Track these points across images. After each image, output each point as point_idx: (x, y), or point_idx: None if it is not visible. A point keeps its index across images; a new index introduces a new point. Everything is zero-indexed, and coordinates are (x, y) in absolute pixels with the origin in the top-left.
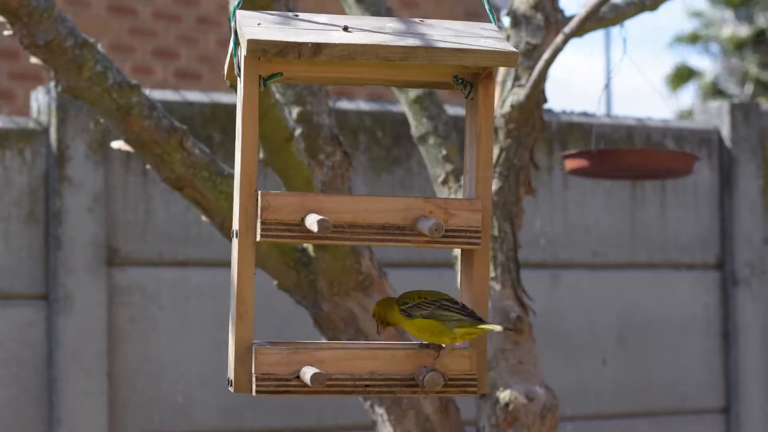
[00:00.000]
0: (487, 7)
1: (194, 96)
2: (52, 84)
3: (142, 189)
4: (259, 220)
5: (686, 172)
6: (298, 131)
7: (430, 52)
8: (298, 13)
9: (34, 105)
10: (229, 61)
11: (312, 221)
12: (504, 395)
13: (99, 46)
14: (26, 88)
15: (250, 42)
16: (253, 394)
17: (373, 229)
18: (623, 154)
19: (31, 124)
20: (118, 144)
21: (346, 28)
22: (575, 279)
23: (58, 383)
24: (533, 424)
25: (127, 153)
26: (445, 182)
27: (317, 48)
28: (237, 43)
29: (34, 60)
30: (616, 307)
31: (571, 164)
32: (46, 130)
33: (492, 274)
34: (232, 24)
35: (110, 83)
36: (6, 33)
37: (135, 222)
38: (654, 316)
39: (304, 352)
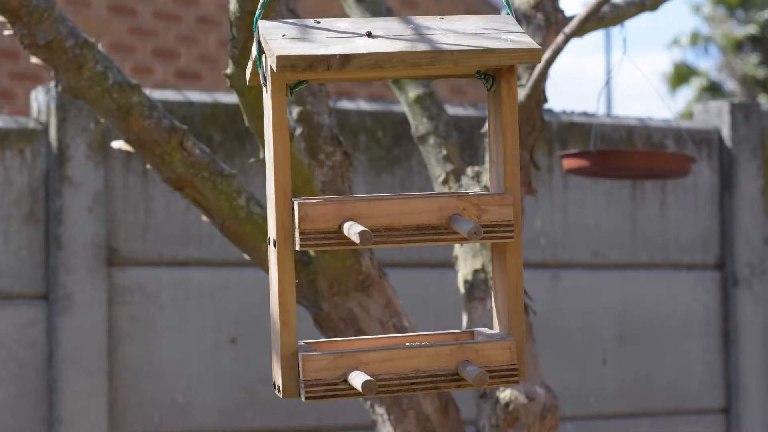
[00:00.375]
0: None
1: (194, 96)
2: (52, 84)
3: (142, 189)
4: (297, 231)
5: (684, 173)
6: (298, 131)
7: (455, 55)
8: (319, 20)
9: (34, 105)
10: (252, 68)
11: (354, 233)
12: (504, 395)
13: (99, 46)
14: (26, 88)
15: (280, 58)
16: (303, 400)
17: (409, 231)
18: (621, 156)
19: (31, 124)
20: (118, 144)
21: (369, 34)
22: (575, 279)
23: (58, 383)
24: (533, 424)
25: (127, 153)
26: (445, 182)
27: (345, 60)
28: (261, 52)
29: (34, 60)
30: (616, 307)
31: (569, 164)
32: (46, 130)
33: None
34: (255, 33)
35: (110, 83)
36: (6, 33)
37: (135, 222)
38: (654, 316)
39: (349, 356)
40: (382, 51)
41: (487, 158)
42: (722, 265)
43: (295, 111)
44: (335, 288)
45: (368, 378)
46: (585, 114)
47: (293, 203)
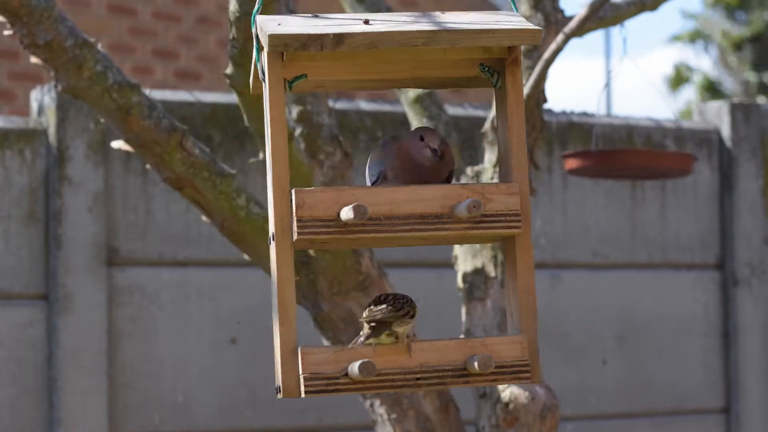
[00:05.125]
0: None
1: (194, 96)
2: (52, 84)
3: (142, 189)
4: (294, 219)
5: (686, 172)
6: (298, 131)
7: (452, 34)
8: (317, 14)
9: (34, 105)
10: (253, 71)
11: (347, 209)
12: (504, 395)
13: (99, 46)
14: (26, 88)
15: (272, 37)
16: (302, 395)
17: (411, 219)
18: (624, 155)
19: (31, 124)
20: (118, 144)
21: (366, 22)
22: (575, 279)
23: (58, 383)
24: (533, 424)
25: (127, 153)
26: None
27: (339, 38)
28: (260, 48)
29: (34, 60)
30: (616, 307)
31: (570, 164)
32: (45, 130)
33: (492, 274)
34: (253, 30)
35: (110, 83)
36: (6, 33)
37: (135, 222)
38: (654, 316)
39: (350, 350)
40: (377, 30)
41: (486, 158)
42: (722, 265)
43: (295, 111)
44: (335, 288)
45: (365, 360)
46: (585, 114)
47: (291, 193)
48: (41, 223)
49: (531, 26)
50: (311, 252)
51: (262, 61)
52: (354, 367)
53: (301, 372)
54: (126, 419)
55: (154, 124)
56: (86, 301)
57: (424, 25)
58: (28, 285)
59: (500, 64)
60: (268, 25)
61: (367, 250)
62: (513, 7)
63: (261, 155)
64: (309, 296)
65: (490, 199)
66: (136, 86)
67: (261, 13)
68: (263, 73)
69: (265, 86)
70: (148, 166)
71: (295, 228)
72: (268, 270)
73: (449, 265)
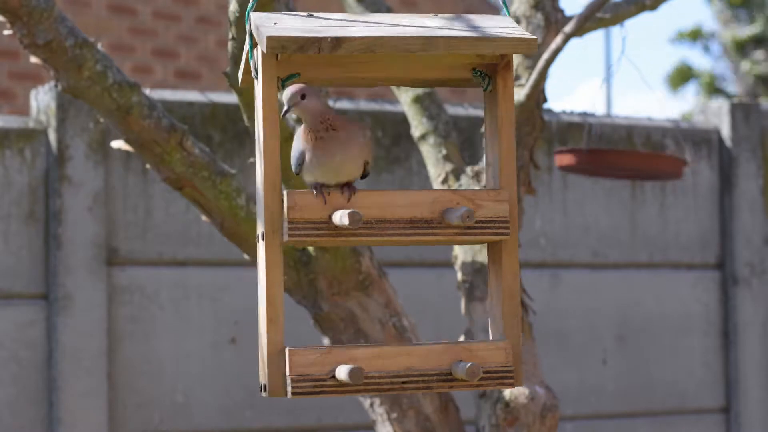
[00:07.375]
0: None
1: (194, 96)
2: (52, 84)
3: (142, 189)
4: (285, 220)
5: (676, 176)
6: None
7: (448, 42)
8: (312, 13)
9: (33, 105)
10: (245, 65)
11: (342, 214)
12: (504, 394)
13: (99, 46)
14: (26, 88)
15: (270, 39)
16: (289, 396)
17: (401, 224)
18: (612, 155)
19: (31, 124)
20: (118, 144)
21: (363, 23)
22: (575, 279)
23: (58, 383)
24: (533, 424)
25: (127, 153)
26: (444, 182)
27: (337, 42)
28: (253, 45)
29: (34, 60)
30: (616, 307)
31: (561, 161)
32: (45, 130)
33: None
34: (247, 26)
35: (110, 83)
36: (6, 33)
37: (135, 222)
38: (654, 316)
39: (338, 352)
40: (375, 35)
41: (486, 158)
42: (722, 264)
43: None
44: (335, 288)
45: (354, 366)
46: (584, 114)
47: (282, 193)
48: (41, 222)
49: (527, 35)
50: (311, 252)
51: (255, 58)
52: (342, 373)
53: (288, 373)
54: (126, 419)
55: (154, 124)
56: (86, 301)
57: (421, 30)
58: (28, 285)
59: (492, 68)
60: (263, 23)
61: (367, 250)
62: (506, 11)
63: None
64: (309, 296)
65: (480, 206)
66: (136, 86)
67: (258, 11)
68: (256, 71)
69: (258, 84)
70: (148, 166)
71: (286, 229)
72: None
73: (449, 265)
